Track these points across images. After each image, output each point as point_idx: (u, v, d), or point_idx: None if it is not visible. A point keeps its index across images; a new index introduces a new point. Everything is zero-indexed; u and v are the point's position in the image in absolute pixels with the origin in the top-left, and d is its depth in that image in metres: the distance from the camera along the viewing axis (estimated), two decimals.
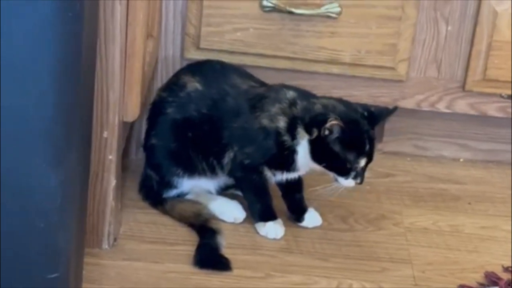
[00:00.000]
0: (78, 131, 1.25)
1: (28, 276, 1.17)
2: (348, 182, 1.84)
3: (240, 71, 1.97)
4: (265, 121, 1.85)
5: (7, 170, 1.12)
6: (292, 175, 1.91)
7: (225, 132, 1.88)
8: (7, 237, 1.16)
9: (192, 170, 1.93)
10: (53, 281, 1.19)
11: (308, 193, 1.96)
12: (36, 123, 1.11)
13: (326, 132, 1.79)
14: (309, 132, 1.83)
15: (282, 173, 1.90)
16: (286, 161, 1.86)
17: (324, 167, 1.85)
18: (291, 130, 1.84)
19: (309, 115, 1.83)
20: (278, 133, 1.84)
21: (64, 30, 1.10)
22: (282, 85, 1.92)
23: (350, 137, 1.80)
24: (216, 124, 1.89)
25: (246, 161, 1.88)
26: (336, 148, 1.80)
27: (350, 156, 1.82)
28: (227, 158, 1.89)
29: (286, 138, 1.84)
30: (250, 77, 1.96)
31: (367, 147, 1.82)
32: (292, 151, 1.85)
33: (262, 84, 1.94)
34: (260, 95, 1.89)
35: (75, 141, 1.23)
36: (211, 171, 1.93)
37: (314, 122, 1.82)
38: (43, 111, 1.12)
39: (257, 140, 1.86)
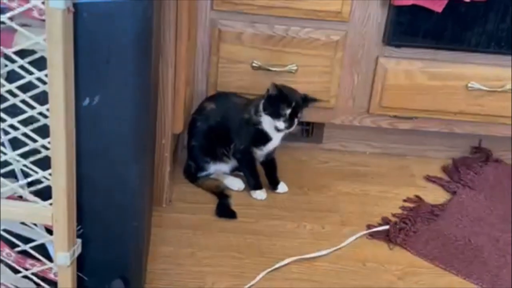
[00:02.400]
0: (148, 140, 1.25)
1: (121, 224, 1.17)
2: (279, 124, 1.77)
3: (237, 95, 1.96)
4: (246, 116, 1.85)
5: (109, 164, 1.12)
6: (270, 147, 1.87)
7: (230, 131, 1.87)
8: (109, 203, 1.15)
9: (214, 158, 1.91)
10: (136, 228, 1.18)
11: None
12: (126, 138, 1.12)
13: (268, 93, 1.76)
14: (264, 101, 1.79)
15: (264, 146, 1.86)
16: (260, 134, 1.83)
17: (268, 115, 1.78)
18: (256, 110, 1.82)
19: (267, 96, 1.79)
20: (250, 118, 1.83)
21: (140, 83, 1.10)
22: (258, 97, 1.87)
23: (281, 94, 1.76)
24: (225, 126, 1.88)
25: (241, 146, 1.86)
26: (270, 101, 1.77)
27: (281, 106, 1.76)
28: (232, 145, 1.88)
29: (254, 118, 1.82)
30: (242, 97, 1.95)
31: (292, 101, 1.76)
32: (259, 122, 1.81)
33: (248, 100, 1.92)
34: (245, 104, 1.89)
35: (147, 146, 1.23)
36: (226, 156, 1.91)
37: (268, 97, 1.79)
38: (129, 131, 1.12)
39: (243, 129, 1.85)
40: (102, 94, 1.04)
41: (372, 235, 1.75)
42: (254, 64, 2.01)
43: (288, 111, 1.78)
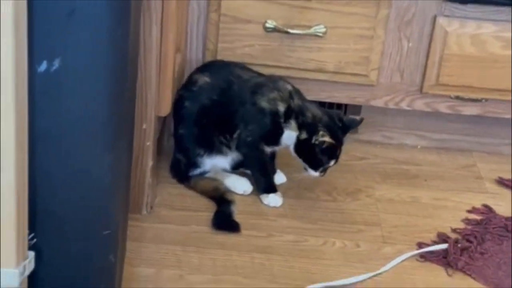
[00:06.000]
0: (125, 123, 1.25)
1: (88, 233, 1.18)
2: (315, 174, 1.87)
3: (240, 65, 1.96)
4: (264, 104, 1.86)
5: (73, 153, 1.13)
6: (276, 149, 1.92)
7: (233, 114, 1.88)
8: (71, 204, 1.17)
9: (211, 149, 1.92)
10: (107, 236, 1.19)
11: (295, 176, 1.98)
12: (95, 118, 1.12)
13: (316, 142, 1.81)
14: (300, 131, 1.84)
15: (272, 147, 1.90)
16: (276, 137, 1.87)
17: (300, 158, 1.87)
18: (286, 116, 1.85)
19: (303, 119, 1.85)
20: (276, 114, 1.85)
21: (114, 45, 1.11)
22: (279, 77, 1.93)
23: (331, 149, 1.83)
24: (225, 108, 1.89)
25: (249, 139, 1.87)
26: (317, 153, 1.83)
27: (325, 159, 1.84)
28: (236, 135, 1.89)
29: (281, 120, 1.85)
30: (249, 69, 1.96)
31: (338, 152, 1.85)
32: (282, 131, 1.86)
33: (260, 74, 1.94)
34: (260, 83, 1.89)
35: (123, 132, 1.24)
36: (226, 147, 1.92)
37: (307, 127, 1.84)
38: (100, 108, 1.12)
39: (256, 119, 1.86)
40: (63, 57, 1.04)
41: (425, 257, 1.76)
42: (267, 25, 2.02)
43: (332, 163, 1.85)
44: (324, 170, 1.87)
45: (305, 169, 1.88)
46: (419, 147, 2.22)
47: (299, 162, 1.89)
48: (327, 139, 1.80)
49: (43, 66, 1.04)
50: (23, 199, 1.03)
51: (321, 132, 1.81)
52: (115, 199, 1.21)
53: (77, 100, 1.07)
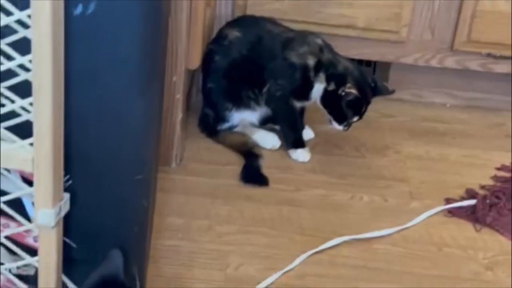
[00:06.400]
0: (158, 69, 1.25)
1: (121, 176, 1.19)
2: (338, 127, 1.87)
3: (271, 20, 1.96)
4: (294, 59, 1.86)
5: (107, 96, 1.14)
6: (305, 104, 1.92)
7: (262, 69, 1.88)
8: (105, 147, 1.17)
9: (239, 104, 1.93)
10: (139, 181, 1.20)
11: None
12: (129, 61, 1.13)
13: (343, 93, 1.80)
14: (328, 83, 1.84)
15: (301, 102, 1.90)
16: (306, 92, 1.87)
17: (327, 111, 1.86)
18: (316, 70, 1.85)
19: (333, 70, 1.84)
20: (306, 68, 1.85)
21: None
22: (309, 32, 1.92)
23: (357, 103, 1.82)
24: (255, 62, 1.89)
25: (278, 93, 1.88)
26: (343, 105, 1.82)
27: (349, 113, 1.84)
28: (265, 89, 1.89)
29: (311, 74, 1.85)
30: (279, 24, 1.96)
31: (363, 109, 1.84)
32: (312, 86, 1.86)
33: (290, 29, 1.94)
34: (290, 38, 1.89)
35: (156, 77, 1.24)
36: (254, 102, 1.92)
37: (335, 79, 1.83)
38: (134, 52, 1.13)
39: (287, 74, 1.86)
40: (99, 0, 1.05)
41: (452, 212, 1.76)
42: None
43: (356, 118, 1.84)
44: (348, 125, 1.87)
45: (330, 121, 1.88)
46: (448, 105, 2.21)
47: (324, 114, 1.89)
48: (353, 91, 1.79)
49: (78, 9, 1.05)
50: (59, 140, 1.04)
51: (348, 84, 1.80)
52: (147, 144, 1.22)
53: (111, 43, 1.08)
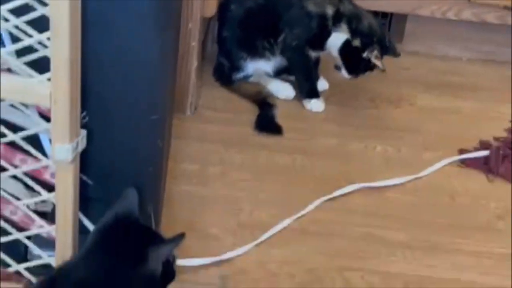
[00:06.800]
0: (173, 14, 1.26)
1: (137, 116, 1.20)
2: (346, 76, 1.89)
3: None
4: (311, 7, 1.85)
5: (123, 35, 1.14)
6: (320, 54, 1.92)
7: (278, 18, 1.88)
8: (120, 86, 1.18)
9: (254, 53, 1.93)
10: (155, 121, 1.22)
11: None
12: (147, 4, 1.13)
13: (367, 58, 1.81)
14: (353, 37, 1.83)
15: (317, 52, 1.90)
16: (322, 41, 1.87)
17: (342, 60, 1.86)
18: (335, 20, 1.84)
19: (358, 25, 1.84)
20: (323, 17, 1.84)
21: None
22: None
23: (375, 66, 1.84)
24: (271, 11, 1.89)
25: (294, 42, 1.88)
26: (362, 63, 1.83)
27: (364, 69, 1.85)
28: (280, 38, 1.89)
29: (329, 23, 1.84)
30: None
31: (374, 68, 1.86)
32: (328, 34, 1.85)
33: None
34: None
35: (172, 19, 1.24)
36: (269, 52, 1.92)
37: (361, 36, 1.83)
38: None
39: (303, 23, 1.86)
40: None
41: (465, 163, 1.77)
42: None
43: (367, 74, 1.86)
44: (356, 77, 1.87)
45: (338, 68, 1.89)
46: (464, 58, 2.20)
47: (335, 60, 1.89)
48: (378, 63, 1.81)
49: None
50: (76, 75, 1.05)
51: (375, 52, 1.82)
52: (163, 85, 1.23)
53: None
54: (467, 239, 1.54)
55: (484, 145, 1.81)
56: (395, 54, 1.89)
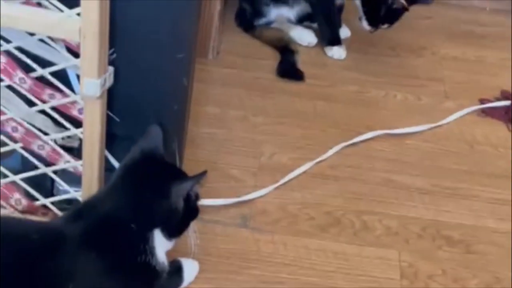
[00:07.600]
0: None
1: (163, 55, 1.21)
2: (367, 27, 1.88)
3: None
4: None
5: None
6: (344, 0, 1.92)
7: None
8: (147, 24, 1.20)
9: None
10: (180, 59, 1.23)
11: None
12: None
13: (391, 5, 1.80)
14: None
15: None
16: None
17: (364, 9, 1.86)
18: None
19: None
20: None
21: None
22: None
23: (397, 13, 1.83)
24: None
25: None
26: (383, 10, 1.82)
27: (384, 21, 1.85)
28: None
29: None
30: None
31: (396, 20, 1.85)
32: None
33: None
34: None
35: None
36: None
37: None
38: None
39: None
40: None
41: (486, 112, 1.77)
42: None
43: (385, 26, 1.85)
44: (376, 29, 1.87)
45: (360, 19, 1.88)
46: (487, 8, 2.18)
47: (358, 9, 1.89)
48: (403, 0, 1.79)
49: None
50: (105, 11, 1.06)
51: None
52: (188, 25, 1.24)
53: None
54: (485, 186, 1.56)
55: (505, 95, 1.81)
56: (427, 1, 1.88)
